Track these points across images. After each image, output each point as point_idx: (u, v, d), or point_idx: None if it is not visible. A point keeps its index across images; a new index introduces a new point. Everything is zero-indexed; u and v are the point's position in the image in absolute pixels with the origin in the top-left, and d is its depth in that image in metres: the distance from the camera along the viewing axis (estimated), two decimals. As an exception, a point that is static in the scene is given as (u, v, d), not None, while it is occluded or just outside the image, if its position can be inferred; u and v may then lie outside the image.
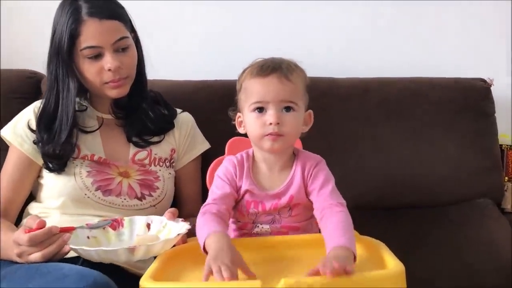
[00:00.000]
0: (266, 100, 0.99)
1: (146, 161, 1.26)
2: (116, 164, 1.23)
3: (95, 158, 1.22)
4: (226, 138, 1.28)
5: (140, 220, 1.09)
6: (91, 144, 1.23)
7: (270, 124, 0.99)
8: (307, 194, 1.02)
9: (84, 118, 1.26)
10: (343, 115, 1.51)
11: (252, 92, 1.01)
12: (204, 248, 0.91)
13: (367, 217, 1.39)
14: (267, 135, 1.00)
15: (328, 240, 0.89)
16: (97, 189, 1.18)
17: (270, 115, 0.99)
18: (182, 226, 1.02)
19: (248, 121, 1.02)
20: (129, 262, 0.99)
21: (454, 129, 1.51)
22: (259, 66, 1.02)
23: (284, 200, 1.02)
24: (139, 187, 1.22)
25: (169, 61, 1.61)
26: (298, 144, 1.17)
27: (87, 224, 1.06)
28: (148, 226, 1.08)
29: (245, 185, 1.03)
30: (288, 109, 1.00)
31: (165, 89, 1.43)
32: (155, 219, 1.09)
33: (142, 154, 1.26)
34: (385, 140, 1.50)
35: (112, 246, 1.01)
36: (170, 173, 1.29)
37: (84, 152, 1.21)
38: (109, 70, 1.16)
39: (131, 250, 0.93)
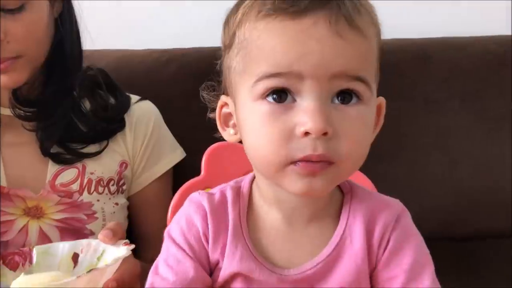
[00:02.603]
0: (297, 70, 0.46)
1: (75, 186, 0.77)
2: (22, 195, 0.74)
3: (-17, 186, 0.73)
4: (210, 140, 0.80)
5: (63, 249, 0.64)
6: (-20, 162, 0.74)
7: (306, 134, 0.46)
8: (373, 284, 0.51)
9: (-29, 115, 0.76)
10: (390, 95, 0.99)
11: (262, 50, 0.47)
12: None
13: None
14: (295, 162, 0.47)
15: None
16: None
17: (307, 110, 0.46)
18: (126, 253, 0.59)
19: (248, 120, 0.49)
20: None
21: None
22: None
23: None
24: (58, 233, 0.74)
25: (121, 24, 1.11)
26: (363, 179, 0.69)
27: None
28: (75, 258, 0.64)
29: (231, 261, 0.51)
30: (347, 96, 0.47)
31: (114, 64, 0.96)
32: (87, 246, 0.65)
33: (69, 174, 0.77)
34: (455, 135, 0.99)
35: None
36: (116, 204, 0.80)
37: (-37, 177, 0.73)
38: None
39: None
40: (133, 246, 0.60)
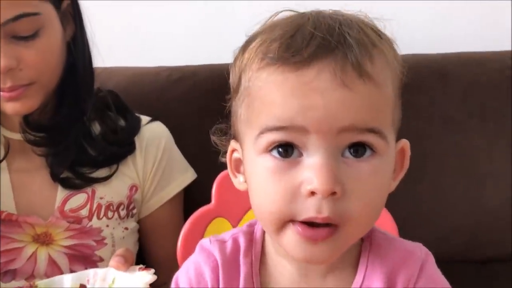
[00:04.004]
0: (301, 125, 0.42)
1: (84, 212, 0.75)
2: (31, 222, 0.73)
3: (-7, 213, 0.72)
4: (223, 162, 0.79)
5: (68, 281, 0.61)
6: (-11, 188, 0.73)
7: (312, 193, 0.42)
8: None
9: (-19, 140, 0.76)
10: (406, 114, 0.95)
11: (265, 102, 0.44)
12: None
13: (449, 275, 0.88)
14: (297, 222, 0.43)
15: None
16: None
17: (314, 167, 0.42)
18: (142, 278, 0.57)
19: (253, 174, 0.46)
20: None
21: None
22: (286, 35, 0.43)
23: None
24: (67, 260, 0.73)
25: (131, 41, 1.09)
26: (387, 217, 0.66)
27: None
28: None
29: None
30: (360, 149, 0.43)
31: (124, 83, 0.95)
32: (94, 275, 0.62)
33: (78, 199, 0.76)
34: (476, 154, 0.96)
35: None
36: (126, 229, 0.78)
37: (-28, 204, 0.72)
38: None
39: None
40: (153, 270, 0.58)
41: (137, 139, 0.80)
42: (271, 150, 0.43)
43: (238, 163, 0.50)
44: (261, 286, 0.49)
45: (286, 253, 0.47)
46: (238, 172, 0.50)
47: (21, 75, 0.68)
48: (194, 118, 0.95)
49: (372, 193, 0.43)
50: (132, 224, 0.80)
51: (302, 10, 0.48)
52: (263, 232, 0.51)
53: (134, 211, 0.80)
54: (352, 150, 0.42)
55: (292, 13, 0.46)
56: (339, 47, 0.41)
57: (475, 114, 0.98)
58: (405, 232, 0.59)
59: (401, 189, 0.83)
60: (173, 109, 0.95)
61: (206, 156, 0.90)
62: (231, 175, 0.51)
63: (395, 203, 0.71)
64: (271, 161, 0.43)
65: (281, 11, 0.47)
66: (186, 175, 0.84)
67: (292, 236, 0.43)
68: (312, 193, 0.41)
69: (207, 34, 1.12)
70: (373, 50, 0.42)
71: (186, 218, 0.85)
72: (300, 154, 0.43)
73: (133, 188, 0.80)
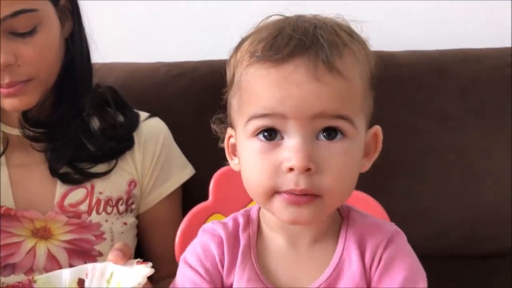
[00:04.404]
0: (281, 112, 0.50)
1: (83, 207, 0.76)
2: (30, 216, 0.73)
3: (-8, 208, 0.72)
4: (221, 157, 0.80)
5: (66, 276, 0.62)
6: (-12, 183, 0.74)
7: (291, 170, 0.49)
8: None
9: (-20, 135, 0.76)
10: (405, 111, 0.97)
11: (252, 94, 0.51)
12: None
13: (446, 269, 0.91)
14: (282, 192, 0.50)
15: None
16: None
17: (290, 149, 0.49)
18: (140, 272, 0.58)
19: (243, 155, 0.53)
20: None
21: None
22: (270, 37, 0.51)
23: None
24: (66, 255, 0.73)
25: (130, 36, 1.09)
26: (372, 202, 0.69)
27: None
28: (81, 283, 0.62)
29: (239, 282, 0.54)
30: (332, 132, 0.50)
31: (123, 78, 0.96)
32: (92, 270, 0.62)
33: (77, 194, 0.76)
34: (474, 151, 0.96)
35: None
36: (125, 224, 0.79)
37: (-29, 199, 0.72)
38: None
39: None
40: (150, 263, 0.59)
41: (135, 135, 0.81)
42: (257, 134, 0.51)
43: (234, 148, 0.57)
44: (258, 257, 0.55)
45: (277, 227, 0.55)
46: (234, 155, 0.57)
47: (20, 71, 0.68)
48: (192, 114, 0.95)
49: (343, 169, 0.50)
50: (131, 219, 0.80)
51: (300, 9, 0.55)
52: (258, 213, 0.58)
53: (133, 206, 0.80)
54: (325, 134, 0.50)
55: (280, 17, 0.55)
56: (312, 47, 0.49)
57: (474, 111, 0.98)
58: (405, 228, 0.59)
59: (400, 185, 0.83)
60: (171, 105, 0.95)
61: (204, 152, 0.91)
62: (228, 158, 0.58)
63: (395, 199, 0.72)
64: (258, 143, 0.51)
65: (271, 16, 0.55)
66: (184, 171, 0.85)
67: (279, 203, 0.50)
68: (291, 169, 0.49)
69: (206, 30, 1.12)
70: (343, 49, 0.50)
71: (183, 214, 0.86)
72: (282, 138, 0.50)
73: (132, 183, 0.80)
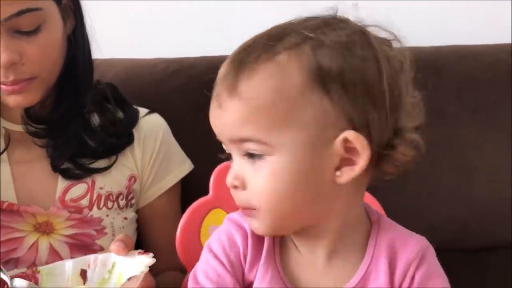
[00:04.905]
0: (218, 138, 0.54)
1: (84, 202, 0.77)
2: (32, 212, 0.74)
3: (-5, 203, 0.73)
4: (219, 153, 0.80)
5: (69, 266, 0.62)
6: (-9, 179, 0.75)
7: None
8: None
9: (-18, 131, 0.77)
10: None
11: None
12: None
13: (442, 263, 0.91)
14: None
15: None
16: None
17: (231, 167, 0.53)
18: (142, 262, 0.59)
19: None
20: None
21: None
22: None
23: None
24: (68, 249, 0.74)
25: (129, 33, 1.10)
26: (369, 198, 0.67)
27: None
28: (83, 274, 0.63)
29: (261, 284, 0.53)
30: (249, 154, 0.50)
31: (123, 74, 0.96)
32: (94, 261, 0.63)
33: (78, 189, 0.77)
34: (468, 147, 0.98)
35: None
36: (125, 218, 0.80)
37: (-26, 194, 0.73)
38: None
39: None
40: (152, 254, 0.60)
41: (135, 131, 0.81)
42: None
43: None
44: (281, 260, 0.54)
45: (293, 232, 0.54)
46: None
47: (24, 70, 0.69)
48: (191, 110, 0.96)
49: (268, 186, 0.49)
50: (131, 214, 0.81)
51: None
52: None
53: (133, 201, 0.82)
54: (247, 156, 0.50)
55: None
56: (229, 73, 0.50)
57: (469, 107, 0.99)
58: (399, 223, 0.60)
59: (394, 181, 0.85)
60: (170, 101, 0.96)
61: (203, 147, 0.92)
62: None
63: (389, 195, 0.73)
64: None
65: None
66: (183, 166, 0.86)
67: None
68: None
69: (205, 27, 1.13)
70: (255, 68, 0.49)
71: (182, 209, 0.87)
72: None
73: (132, 178, 0.81)
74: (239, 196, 0.52)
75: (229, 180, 0.52)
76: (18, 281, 0.59)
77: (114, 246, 0.60)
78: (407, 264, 0.51)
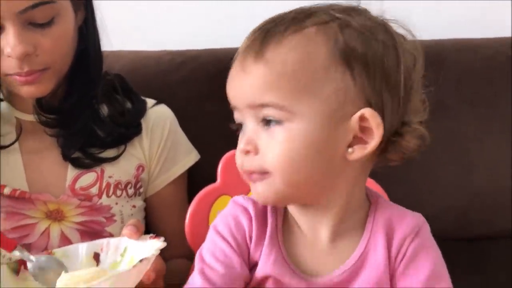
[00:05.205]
0: (234, 105, 0.55)
1: (94, 190, 0.79)
2: (43, 199, 0.76)
3: (7, 191, 0.75)
4: (224, 143, 0.82)
5: (82, 250, 0.65)
6: (3, 167, 0.76)
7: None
8: None
9: (-5, 121, 0.79)
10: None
11: None
12: None
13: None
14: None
15: None
16: None
17: (241, 135, 0.55)
18: (155, 246, 0.59)
19: None
20: None
21: None
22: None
23: None
24: (79, 236, 0.76)
25: (134, 25, 1.11)
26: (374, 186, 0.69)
27: None
28: (96, 257, 0.65)
29: (265, 264, 0.55)
30: (267, 120, 0.52)
31: (129, 65, 0.98)
32: (107, 244, 0.65)
33: (88, 178, 0.79)
34: (467, 139, 1.00)
35: None
36: (134, 206, 0.82)
37: (-13, 182, 0.75)
38: (10, 56, 0.69)
39: None
40: (162, 238, 0.61)
41: (143, 121, 0.83)
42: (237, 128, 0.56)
43: None
44: (284, 240, 0.56)
45: (298, 213, 0.56)
46: None
47: (37, 61, 0.70)
48: (195, 101, 0.98)
49: (279, 150, 0.51)
50: (139, 202, 0.83)
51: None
52: None
53: (141, 189, 0.83)
54: (262, 122, 0.52)
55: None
56: (255, 40, 0.52)
57: (468, 100, 1.01)
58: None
59: (396, 171, 0.87)
60: (175, 92, 0.97)
61: (207, 138, 0.95)
62: None
63: (391, 184, 0.75)
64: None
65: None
66: (190, 157, 0.88)
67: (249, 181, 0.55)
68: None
69: (209, 19, 1.14)
70: (283, 38, 0.51)
71: (189, 197, 0.89)
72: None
73: (140, 167, 0.83)
74: (250, 161, 0.52)
75: (242, 145, 0.53)
76: (36, 256, 0.61)
77: (126, 230, 0.62)
78: (402, 239, 0.54)
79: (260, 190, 0.53)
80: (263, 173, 0.52)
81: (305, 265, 0.55)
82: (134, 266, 0.54)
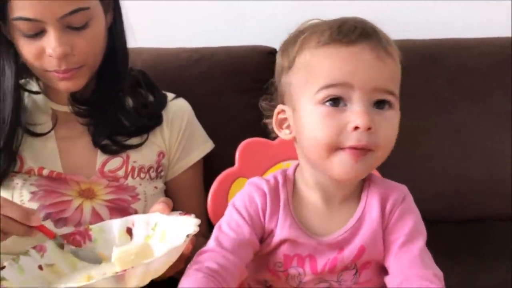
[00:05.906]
0: (350, 83, 0.61)
1: (121, 173, 0.88)
2: (76, 180, 0.86)
3: (45, 172, 0.85)
4: (237, 134, 0.92)
5: (116, 225, 0.74)
6: (41, 152, 0.86)
7: (356, 128, 0.61)
8: (385, 246, 0.66)
9: (33, 111, 0.89)
10: (402, 94, 1.07)
11: (323, 68, 0.63)
12: None
13: (435, 233, 1.00)
14: (345, 148, 0.61)
15: None
16: (45, 218, 0.83)
17: (357, 112, 0.61)
18: (185, 222, 0.67)
19: (308, 119, 0.64)
20: None
21: None
22: (335, 27, 0.63)
23: (350, 253, 0.66)
24: (108, 212, 0.85)
25: (153, 22, 1.19)
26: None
27: (36, 248, 0.70)
28: (129, 231, 0.74)
29: (282, 230, 0.67)
30: (382, 104, 0.63)
31: (150, 61, 1.06)
32: (137, 220, 0.74)
33: (115, 162, 0.88)
34: (463, 129, 1.07)
35: (79, 274, 0.68)
36: (156, 188, 0.91)
37: (29, 165, 0.85)
38: (51, 56, 0.78)
39: (120, 278, 0.57)
40: (193, 214, 0.69)
41: (164, 113, 0.92)
42: (324, 102, 0.62)
43: (282, 122, 0.69)
44: (294, 209, 0.68)
45: (315, 185, 0.68)
46: (281, 128, 0.69)
47: (74, 60, 0.80)
48: (211, 96, 1.05)
49: (390, 131, 0.63)
50: (160, 184, 0.92)
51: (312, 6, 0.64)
52: (294, 174, 0.71)
53: (162, 173, 0.93)
54: (376, 105, 0.62)
55: (316, 20, 0.67)
56: (373, 35, 0.62)
57: (464, 95, 1.08)
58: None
59: (395, 158, 0.95)
60: (192, 87, 1.05)
61: (222, 130, 1.03)
62: (276, 130, 0.70)
63: (390, 170, 0.83)
64: (325, 109, 0.62)
65: (310, 20, 0.67)
66: (206, 145, 0.97)
67: (340, 157, 0.62)
68: (356, 128, 0.60)
69: (224, 18, 1.21)
70: (390, 40, 0.64)
71: (205, 183, 0.98)
72: (345, 105, 0.62)
73: (161, 154, 0.92)
74: (367, 137, 0.60)
75: (367, 122, 0.60)
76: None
77: (159, 206, 0.72)
78: (393, 204, 0.67)
79: (361, 169, 0.62)
80: (370, 151, 0.61)
81: (314, 228, 0.67)
82: (184, 241, 0.61)
